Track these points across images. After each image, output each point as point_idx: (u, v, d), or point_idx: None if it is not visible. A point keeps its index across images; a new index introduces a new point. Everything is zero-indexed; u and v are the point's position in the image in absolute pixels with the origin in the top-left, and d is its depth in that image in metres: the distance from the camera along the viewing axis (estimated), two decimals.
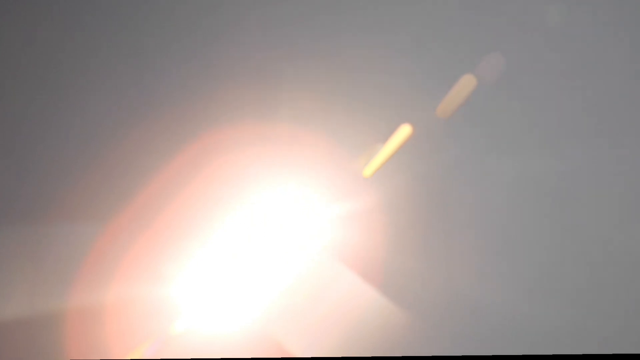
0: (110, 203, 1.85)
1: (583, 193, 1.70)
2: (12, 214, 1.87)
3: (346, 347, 1.76)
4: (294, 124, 1.79)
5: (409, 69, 1.78)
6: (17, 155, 1.89)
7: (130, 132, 1.87)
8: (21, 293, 1.84)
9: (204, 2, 1.84)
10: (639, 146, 1.71)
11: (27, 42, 1.91)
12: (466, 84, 1.69)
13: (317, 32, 1.79)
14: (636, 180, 1.72)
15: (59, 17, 1.91)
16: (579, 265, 1.73)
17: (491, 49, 1.74)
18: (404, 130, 1.67)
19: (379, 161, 1.70)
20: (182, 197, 1.84)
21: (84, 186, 1.87)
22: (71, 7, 1.91)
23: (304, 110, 1.77)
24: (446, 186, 1.74)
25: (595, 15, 1.73)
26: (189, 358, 1.79)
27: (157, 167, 1.85)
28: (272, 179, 1.80)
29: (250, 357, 1.79)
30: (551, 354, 1.71)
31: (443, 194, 1.74)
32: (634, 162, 1.72)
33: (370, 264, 1.76)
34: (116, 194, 1.85)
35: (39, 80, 1.91)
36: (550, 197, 1.71)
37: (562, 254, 1.73)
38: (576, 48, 1.75)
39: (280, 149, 1.79)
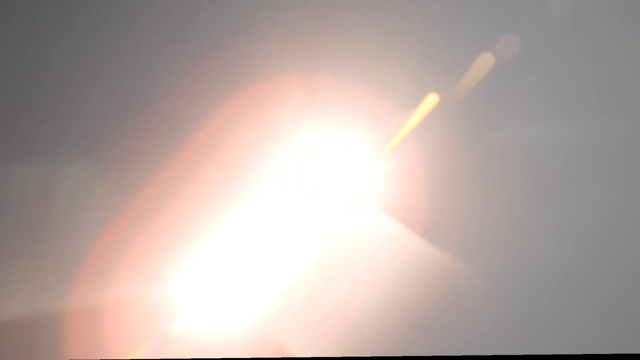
0: (110, 203, 1.85)
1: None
2: (12, 213, 1.87)
3: (346, 347, 1.76)
4: (335, 77, 1.79)
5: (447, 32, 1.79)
6: (16, 155, 1.89)
7: (132, 127, 1.87)
8: (21, 293, 1.84)
9: None
10: None
11: (26, 42, 1.91)
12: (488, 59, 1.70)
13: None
14: None
15: (57, 16, 1.91)
16: (582, 264, 1.73)
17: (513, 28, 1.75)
18: (436, 95, 1.67)
19: (408, 129, 1.70)
20: (182, 197, 1.84)
21: (84, 186, 1.87)
22: (69, 5, 1.91)
23: (344, 64, 1.78)
24: (487, 142, 1.75)
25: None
26: (189, 358, 1.79)
27: (158, 167, 1.85)
28: (310, 134, 1.80)
29: (250, 357, 1.79)
30: (551, 354, 1.71)
31: (483, 150, 1.75)
32: None
33: (413, 217, 1.76)
34: (116, 193, 1.85)
35: (38, 79, 1.91)
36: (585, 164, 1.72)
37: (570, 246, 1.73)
38: (594, 26, 1.76)
39: (321, 102, 1.79)
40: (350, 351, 1.76)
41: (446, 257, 1.76)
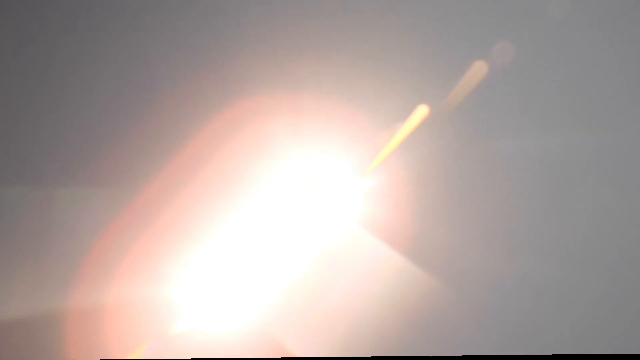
0: (110, 203, 1.85)
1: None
2: (12, 213, 1.87)
3: (346, 347, 1.76)
4: (320, 95, 1.79)
5: (432, 47, 1.79)
6: (16, 155, 1.89)
7: (130, 131, 1.87)
8: (21, 293, 1.84)
9: None
10: None
11: (25, 42, 1.91)
12: (481, 67, 1.70)
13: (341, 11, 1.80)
14: None
15: (57, 16, 1.91)
16: (573, 270, 1.73)
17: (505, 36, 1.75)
18: (421, 111, 1.67)
19: (393, 146, 1.70)
20: (182, 197, 1.84)
21: (84, 186, 1.87)
22: (69, 6, 1.91)
23: (329, 82, 1.78)
24: (467, 160, 1.75)
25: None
26: (189, 358, 1.79)
27: (158, 167, 1.85)
28: (297, 150, 1.80)
29: (250, 357, 1.79)
30: (551, 354, 1.71)
31: (465, 168, 1.75)
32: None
33: (398, 235, 1.76)
34: (116, 193, 1.85)
35: (39, 79, 1.91)
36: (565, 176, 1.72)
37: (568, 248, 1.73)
38: (585, 34, 1.76)
39: (305, 120, 1.79)
40: (350, 351, 1.76)
41: (445, 258, 1.76)
